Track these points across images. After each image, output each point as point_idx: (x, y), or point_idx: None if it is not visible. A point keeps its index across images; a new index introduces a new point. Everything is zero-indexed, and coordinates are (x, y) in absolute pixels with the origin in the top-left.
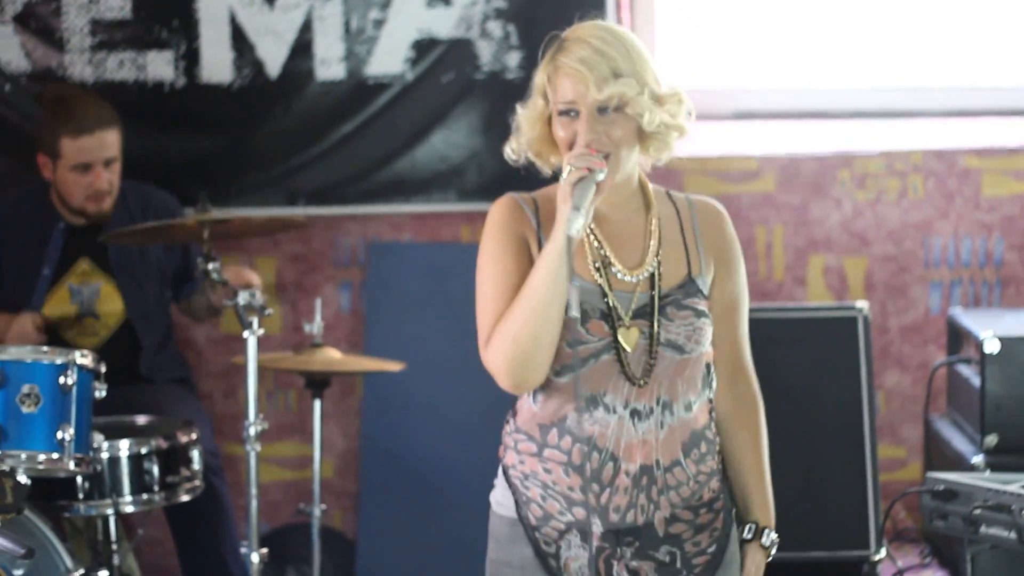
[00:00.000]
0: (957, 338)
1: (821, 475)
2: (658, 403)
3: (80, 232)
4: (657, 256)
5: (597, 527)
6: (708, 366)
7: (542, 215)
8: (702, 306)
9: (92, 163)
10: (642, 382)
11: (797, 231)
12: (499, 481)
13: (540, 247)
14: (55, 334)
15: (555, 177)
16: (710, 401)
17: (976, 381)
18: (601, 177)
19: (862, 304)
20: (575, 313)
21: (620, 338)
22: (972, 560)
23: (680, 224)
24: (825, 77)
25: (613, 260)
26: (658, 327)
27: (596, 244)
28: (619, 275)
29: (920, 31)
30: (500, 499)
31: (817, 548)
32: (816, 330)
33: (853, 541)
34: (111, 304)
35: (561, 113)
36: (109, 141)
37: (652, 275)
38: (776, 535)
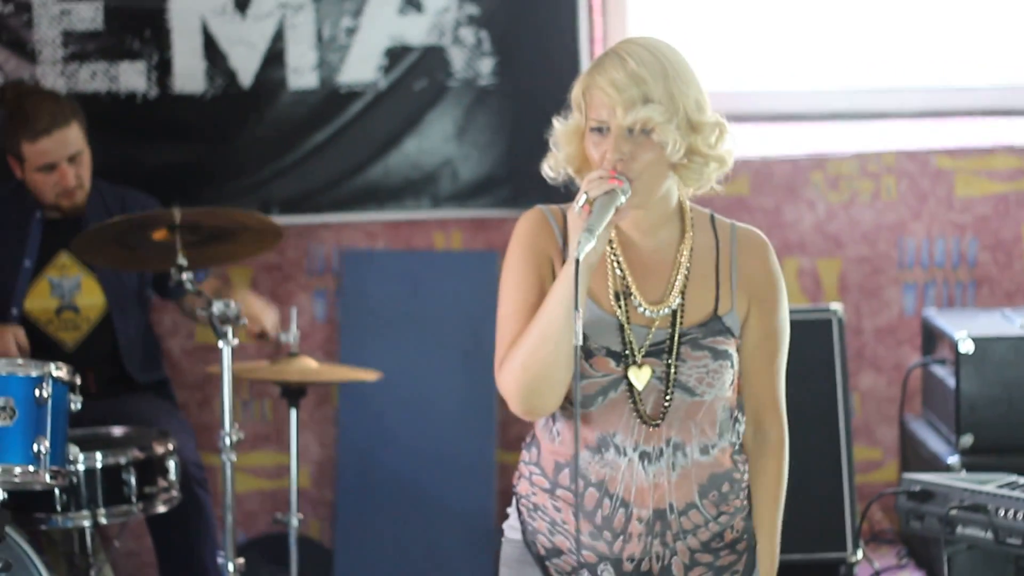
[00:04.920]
0: (932, 339)
1: (797, 477)
2: (668, 444)
3: (59, 225)
4: (682, 292)
5: (609, 574)
6: (731, 411)
7: (570, 231)
8: (724, 346)
9: (56, 162)
10: (655, 423)
11: (771, 234)
12: (512, 510)
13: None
14: (37, 329)
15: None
16: (734, 444)
17: (951, 382)
18: (622, 199)
19: (836, 306)
20: (578, 341)
21: (631, 376)
22: (949, 561)
23: (716, 256)
24: (797, 79)
25: (634, 291)
26: (673, 368)
27: (619, 272)
28: (639, 308)
29: (892, 32)
30: (513, 525)
31: (794, 550)
32: (791, 332)
33: (830, 543)
34: (91, 297)
35: (593, 130)
36: (70, 138)
37: (674, 312)
38: None
